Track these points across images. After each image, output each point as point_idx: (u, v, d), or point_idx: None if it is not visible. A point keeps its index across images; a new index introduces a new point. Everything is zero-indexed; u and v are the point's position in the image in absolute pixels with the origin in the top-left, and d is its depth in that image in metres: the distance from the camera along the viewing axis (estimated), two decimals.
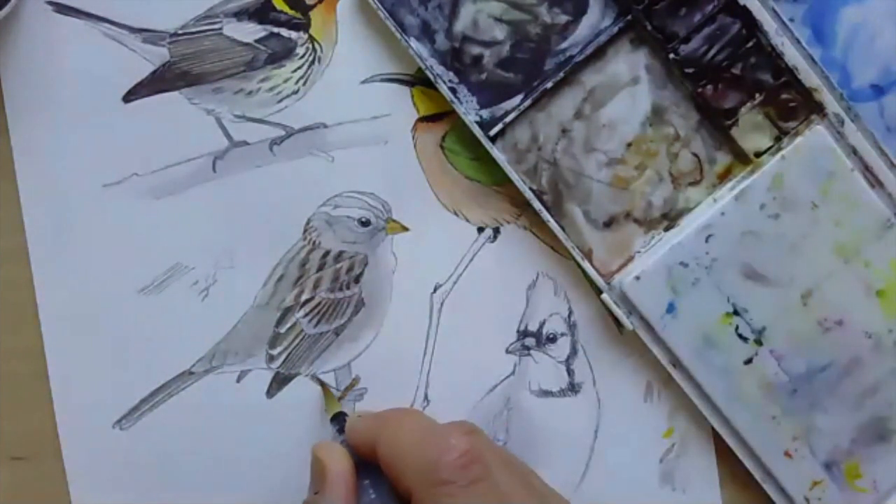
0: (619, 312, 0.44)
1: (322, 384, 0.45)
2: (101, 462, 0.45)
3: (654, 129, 0.44)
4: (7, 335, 0.45)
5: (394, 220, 0.45)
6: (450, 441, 0.37)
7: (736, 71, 0.43)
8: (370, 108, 0.45)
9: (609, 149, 0.44)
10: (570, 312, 0.46)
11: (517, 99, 0.44)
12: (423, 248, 0.45)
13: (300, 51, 0.45)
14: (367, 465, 0.39)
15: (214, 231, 0.45)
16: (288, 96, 0.45)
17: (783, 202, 0.43)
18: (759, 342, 0.44)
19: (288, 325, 0.45)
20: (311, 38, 0.45)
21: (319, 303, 0.45)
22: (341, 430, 0.42)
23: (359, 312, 0.45)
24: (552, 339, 0.46)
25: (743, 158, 0.44)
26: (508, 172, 0.44)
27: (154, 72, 0.45)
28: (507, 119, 0.43)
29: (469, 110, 0.44)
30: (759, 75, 0.43)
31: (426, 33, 0.44)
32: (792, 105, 0.43)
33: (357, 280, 0.45)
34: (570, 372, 0.46)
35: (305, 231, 0.45)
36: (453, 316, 0.45)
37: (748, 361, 0.44)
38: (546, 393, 0.46)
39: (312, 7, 0.45)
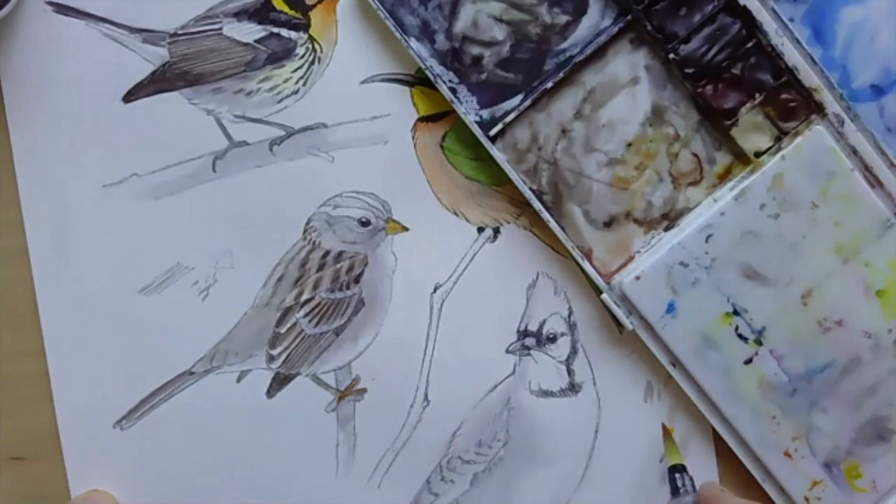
0: (619, 312, 0.44)
1: (665, 432, 0.45)
2: (101, 462, 0.45)
3: (654, 129, 0.44)
4: (7, 335, 0.45)
5: (394, 220, 0.45)
6: None
7: (736, 71, 0.43)
8: (370, 108, 0.45)
9: (609, 149, 0.44)
10: (570, 312, 0.46)
11: (517, 99, 0.44)
12: (423, 248, 0.45)
13: (300, 51, 0.45)
14: None
15: (214, 231, 0.45)
16: (288, 96, 0.45)
17: (783, 202, 0.43)
18: (758, 342, 0.44)
19: (288, 325, 0.45)
20: (311, 39, 0.45)
21: (319, 303, 0.45)
22: (679, 482, 0.43)
23: (359, 312, 0.45)
24: (552, 338, 0.46)
25: (743, 158, 0.44)
26: (508, 172, 0.44)
27: (154, 72, 0.45)
28: (507, 119, 0.43)
29: (469, 110, 0.44)
30: (759, 75, 0.43)
31: (426, 33, 0.44)
32: (792, 105, 0.43)
33: (357, 280, 0.45)
34: (570, 372, 0.46)
35: (305, 231, 0.45)
36: (453, 316, 0.45)
37: (748, 361, 0.44)
38: (546, 393, 0.46)
39: (312, 7, 0.45)
